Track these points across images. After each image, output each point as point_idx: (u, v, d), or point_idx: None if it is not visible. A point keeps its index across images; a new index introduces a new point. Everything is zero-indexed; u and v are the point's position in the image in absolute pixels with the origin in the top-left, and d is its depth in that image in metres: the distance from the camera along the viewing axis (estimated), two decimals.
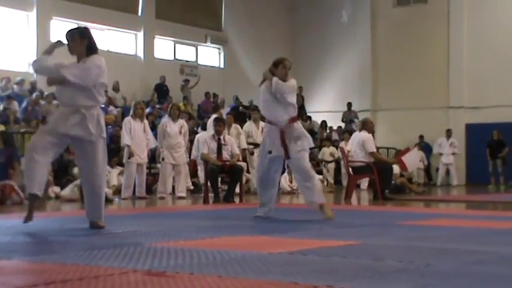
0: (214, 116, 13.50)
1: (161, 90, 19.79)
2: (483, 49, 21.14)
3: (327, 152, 18.72)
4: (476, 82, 21.21)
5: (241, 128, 13.88)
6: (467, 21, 21.68)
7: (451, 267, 3.61)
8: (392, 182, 13.01)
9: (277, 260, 3.86)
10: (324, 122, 22.24)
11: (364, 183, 16.52)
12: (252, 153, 13.80)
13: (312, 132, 21.66)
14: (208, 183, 10.70)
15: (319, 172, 17.41)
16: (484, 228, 5.97)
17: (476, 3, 21.58)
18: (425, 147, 21.15)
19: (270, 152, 6.89)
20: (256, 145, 13.74)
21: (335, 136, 21.11)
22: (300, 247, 4.46)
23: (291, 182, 15.11)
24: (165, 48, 21.38)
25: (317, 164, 17.65)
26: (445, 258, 3.99)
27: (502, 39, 20.78)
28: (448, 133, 20.50)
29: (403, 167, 13.60)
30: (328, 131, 21.79)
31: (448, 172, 20.55)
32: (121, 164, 12.78)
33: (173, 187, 12.43)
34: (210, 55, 22.88)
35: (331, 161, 18.54)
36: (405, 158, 13.49)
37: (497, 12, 21.17)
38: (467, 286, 3.10)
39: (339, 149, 17.80)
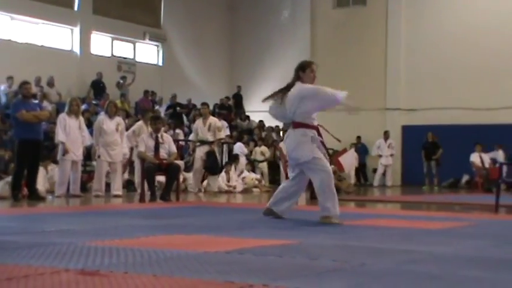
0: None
1: (98, 87, 19.50)
2: (420, 52, 21.58)
3: (258, 151, 18.78)
4: (412, 84, 21.62)
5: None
6: (404, 24, 22.08)
7: (384, 267, 3.65)
8: None
9: (213, 259, 3.83)
10: (261, 122, 22.28)
11: None
12: (193, 151, 13.74)
13: (250, 131, 21.71)
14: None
15: (254, 171, 17.46)
16: (418, 228, 6.07)
17: (413, 6, 21.99)
18: (362, 148, 21.45)
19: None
20: (203, 142, 13.70)
21: (274, 136, 21.18)
22: (237, 246, 4.44)
23: (228, 181, 15.09)
24: (102, 44, 21.05)
25: (251, 163, 17.67)
26: (379, 257, 4.04)
27: (438, 43, 21.24)
28: (386, 135, 20.85)
29: (339, 167, 13.75)
30: (265, 131, 21.84)
31: (385, 173, 20.89)
32: (55, 162, 12.52)
33: (108, 185, 12.25)
34: (148, 52, 22.64)
35: (262, 161, 18.60)
36: (342, 159, 13.64)
37: (434, 15, 21.63)
38: (400, 285, 3.14)
39: (272, 148, 17.95)
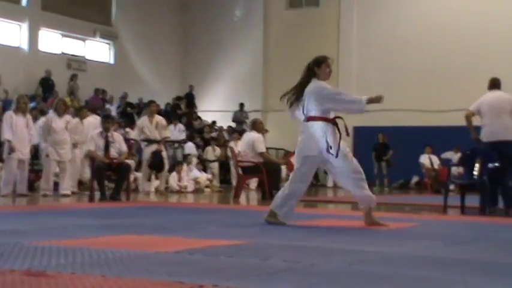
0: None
1: (47, 85, 19.16)
2: (371, 53, 21.84)
3: (210, 151, 18.75)
4: (363, 86, 21.81)
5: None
6: (356, 25, 22.33)
7: (335, 267, 3.66)
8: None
9: (163, 260, 3.79)
10: (214, 122, 22.27)
11: (254, 183, 16.65)
12: (138, 150, 13.64)
13: (201, 131, 21.65)
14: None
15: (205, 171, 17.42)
16: (368, 228, 6.12)
17: (365, 9, 22.25)
18: None
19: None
20: (149, 141, 13.56)
21: (226, 136, 21.18)
22: (187, 246, 4.40)
23: (179, 180, 15.01)
24: (51, 41, 20.70)
25: (202, 163, 17.62)
26: (329, 258, 4.05)
27: (390, 45, 21.53)
28: None
29: (291, 168, 13.79)
30: (217, 130, 21.81)
31: None
32: (1, 160, 12.25)
33: (57, 184, 12.05)
34: (99, 50, 22.37)
35: (213, 161, 18.58)
36: (294, 159, 13.67)
37: (386, 17, 21.92)
38: (350, 285, 3.15)
39: (228, 149, 17.90)
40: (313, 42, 22.69)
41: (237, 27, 24.16)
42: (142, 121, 13.88)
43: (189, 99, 23.42)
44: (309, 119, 6.28)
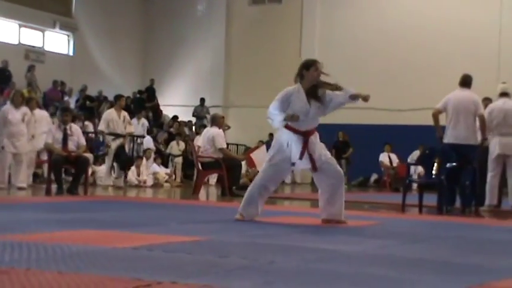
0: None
1: (3, 76, 18.76)
2: (334, 51, 21.91)
3: (174, 145, 18.64)
4: None
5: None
6: (319, 23, 22.40)
7: (293, 265, 3.66)
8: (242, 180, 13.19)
9: (121, 255, 3.75)
10: (175, 117, 22.13)
11: (213, 178, 16.60)
12: (108, 146, 13.44)
13: (162, 125, 21.51)
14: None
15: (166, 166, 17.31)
16: (327, 226, 6.14)
17: (328, 7, 22.33)
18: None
19: (293, 164, 6.36)
20: (116, 135, 13.42)
21: (187, 131, 21.06)
22: (146, 242, 4.36)
23: (138, 175, 14.89)
24: (8, 31, 20.30)
25: (164, 158, 17.52)
26: (288, 255, 4.06)
27: (353, 42, 21.65)
28: None
29: (251, 164, 13.80)
30: (179, 125, 21.69)
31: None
32: None
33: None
34: (58, 41, 22.01)
35: (178, 155, 18.49)
36: (254, 155, 13.69)
37: (348, 16, 22.03)
38: (308, 283, 3.15)
39: (188, 143, 17.80)
40: (275, 39, 22.73)
41: (199, 22, 24.04)
42: (110, 114, 13.67)
43: (150, 93, 23.23)
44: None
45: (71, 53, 22.31)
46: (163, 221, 6.22)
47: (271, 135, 21.93)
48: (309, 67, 6.38)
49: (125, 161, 13.58)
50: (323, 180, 6.33)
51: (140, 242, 4.38)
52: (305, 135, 6.26)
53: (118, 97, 14.34)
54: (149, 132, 19.15)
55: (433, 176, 9.07)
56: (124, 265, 3.38)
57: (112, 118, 13.48)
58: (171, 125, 21.10)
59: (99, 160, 14.75)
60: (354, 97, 6.36)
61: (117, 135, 13.41)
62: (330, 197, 6.31)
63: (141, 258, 3.67)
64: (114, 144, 13.44)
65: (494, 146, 9.76)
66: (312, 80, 6.35)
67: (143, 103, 22.29)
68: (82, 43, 22.32)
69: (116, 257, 3.67)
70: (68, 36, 22.22)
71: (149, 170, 15.42)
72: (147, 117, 20.52)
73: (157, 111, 22.63)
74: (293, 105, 6.28)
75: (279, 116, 6.26)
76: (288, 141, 6.26)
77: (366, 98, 6.34)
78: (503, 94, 10.04)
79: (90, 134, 16.39)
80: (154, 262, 3.56)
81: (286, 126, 6.29)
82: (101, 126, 13.45)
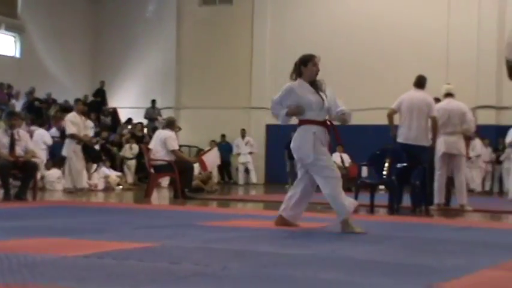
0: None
1: None
2: (285, 51, 21.93)
3: (128, 148, 18.48)
4: (277, 84, 21.74)
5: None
6: (270, 23, 22.45)
7: (246, 271, 3.66)
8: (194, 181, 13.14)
9: (71, 264, 3.69)
10: (129, 119, 21.93)
11: (166, 181, 16.50)
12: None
13: (114, 128, 21.27)
14: None
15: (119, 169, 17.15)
16: (280, 229, 6.15)
17: (279, 8, 22.40)
18: (226, 146, 21.60)
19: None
20: (79, 138, 13.30)
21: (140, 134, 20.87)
22: (97, 250, 4.30)
23: (89, 179, 14.69)
24: None
25: (115, 161, 17.34)
26: (241, 260, 4.05)
27: (304, 43, 21.66)
28: (243, 133, 21.16)
29: (203, 166, 13.77)
30: (130, 127, 21.49)
31: (247, 171, 21.19)
32: None
33: None
34: (4, 43, 21.55)
35: (131, 158, 18.33)
36: (205, 157, 13.67)
37: (299, 17, 22.13)
38: None
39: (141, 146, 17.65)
40: (227, 40, 22.71)
41: (149, 23, 23.85)
42: (75, 117, 13.46)
43: (100, 95, 22.95)
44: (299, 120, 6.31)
45: (17, 55, 21.88)
46: (115, 226, 6.15)
47: (223, 136, 21.96)
48: (306, 63, 6.30)
49: (95, 155, 13.68)
50: (305, 180, 6.31)
51: (91, 249, 4.32)
52: (325, 126, 6.18)
53: (77, 101, 14.22)
54: (97, 134, 18.92)
55: (384, 176, 9.17)
56: (74, 275, 3.32)
57: (77, 122, 13.36)
58: (125, 128, 20.92)
59: (57, 163, 14.56)
60: (341, 118, 6.23)
61: (79, 139, 13.30)
62: (299, 200, 6.31)
63: (91, 267, 3.62)
64: (76, 148, 13.32)
65: (440, 145, 10.02)
66: (311, 76, 6.28)
67: (100, 106, 22.05)
68: (29, 45, 21.90)
69: (66, 266, 3.61)
70: (14, 37, 21.78)
71: (100, 173, 15.22)
72: (97, 119, 20.29)
73: (115, 114, 22.40)
74: (301, 98, 6.23)
75: (282, 110, 6.25)
76: (315, 132, 6.11)
77: (345, 121, 6.24)
78: (448, 95, 10.32)
79: (55, 139, 16.25)
80: (105, 271, 3.50)
81: (304, 121, 6.19)
82: (72, 129, 13.17)
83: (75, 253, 4.12)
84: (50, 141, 15.95)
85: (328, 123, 6.26)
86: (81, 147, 13.11)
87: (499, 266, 4.17)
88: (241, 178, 21.08)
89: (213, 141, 19.97)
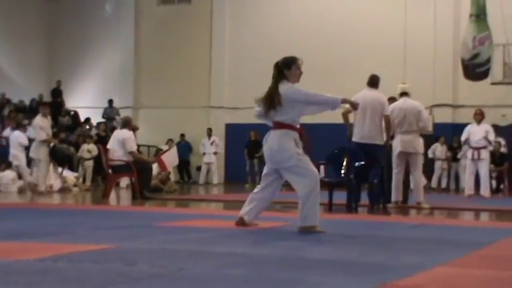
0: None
1: None
2: (244, 51, 22.02)
3: (85, 149, 18.28)
4: (236, 83, 21.97)
5: None
6: (229, 23, 22.43)
7: (203, 271, 3.65)
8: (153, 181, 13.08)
9: (24, 269, 3.63)
10: (87, 119, 21.70)
11: (124, 181, 16.37)
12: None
13: (71, 128, 21.02)
14: None
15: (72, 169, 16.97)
16: (238, 229, 6.14)
17: (237, 7, 22.39)
18: (185, 145, 21.53)
19: None
20: (47, 141, 13.27)
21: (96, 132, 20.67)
22: (51, 253, 4.24)
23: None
24: None
25: (72, 161, 17.16)
26: (197, 261, 4.04)
27: (262, 42, 21.75)
28: (208, 132, 21.10)
29: (162, 166, 13.69)
30: (88, 127, 21.27)
31: (209, 171, 21.15)
32: None
33: None
34: None
35: (89, 159, 18.14)
36: (165, 157, 13.60)
37: (257, 16, 22.15)
38: None
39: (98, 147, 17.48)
40: (186, 40, 22.63)
41: (107, 23, 23.63)
42: (42, 121, 13.36)
43: (56, 94, 22.64)
44: (275, 124, 6.12)
45: None
46: (72, 228, 6.07)
47: (182, 135, 21.86)
48: (290, 65, 6.16)
49: (62, 158, 13.65)
50: (274, 186, 6.30)
51: (46, 252, 4.26)
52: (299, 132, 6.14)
53: (43, 104, 14.21)
54: (55, 135, 18.71)
55: (342, 175, 9.24)
56: (27, 279, 3.27)
57: (45, 126, 13.31)
58: (83, 128, 20.70)
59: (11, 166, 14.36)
60: None
61: (47, 142, 13.48)
62: (262, 204, 6.31)
63: (45, 271, 3.57)
64: (45, 150, 13.30)
65: (396, 144, 10.16)
66: (295, 79, 6.15)
67: (60, 106, 21.78)
68: None
69: (19, 270, 3.55)
70: None
71: (56, 173, 15.02)
72: (54, 119, 20.03)
73: (76, 115, 22.17)
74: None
75: (335, 96, 6.10)
76: (295, 138, 6.05)
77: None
78: (403, 94, 10.46)
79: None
80: (59, 274, 3.47)
81: (286, 126, 6.05)
82: (42, 135, 13.14)
83: (29, 257, 4.06)
84: (26, 143, 15.67)
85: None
86: (48, 151, 13.21)
87: (453, 263, 4.23)
88: (202, 178, 21.01)
89: (171, 140, 19.81)
